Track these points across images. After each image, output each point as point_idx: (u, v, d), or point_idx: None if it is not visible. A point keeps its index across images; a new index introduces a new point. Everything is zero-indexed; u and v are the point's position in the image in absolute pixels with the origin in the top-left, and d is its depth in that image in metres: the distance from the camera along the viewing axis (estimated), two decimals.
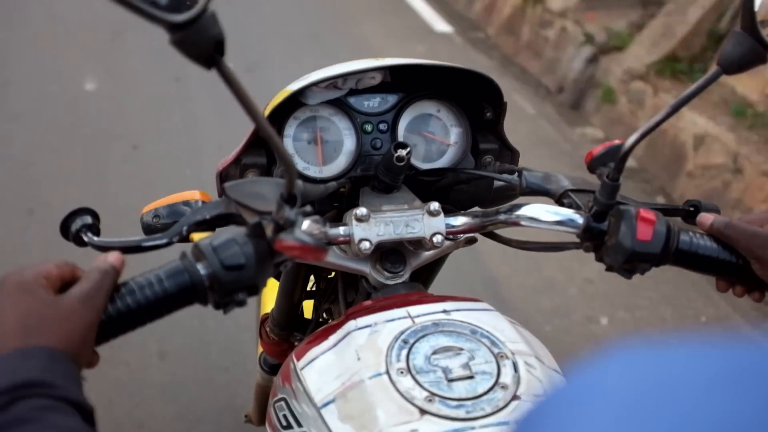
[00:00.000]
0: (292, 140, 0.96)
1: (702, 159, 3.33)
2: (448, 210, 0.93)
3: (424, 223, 0.89)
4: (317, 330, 0.90)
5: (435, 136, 1.01)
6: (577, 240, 0.88)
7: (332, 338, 0.83)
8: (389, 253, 0.92)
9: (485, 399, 0.73)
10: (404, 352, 0.77)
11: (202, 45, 0.54)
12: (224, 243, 0.67)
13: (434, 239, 0.89)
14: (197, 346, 2.30)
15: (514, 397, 0.74)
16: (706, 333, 0.30)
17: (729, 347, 0.29)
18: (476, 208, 1.04)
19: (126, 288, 0.66)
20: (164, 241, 0.78)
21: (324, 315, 1.22)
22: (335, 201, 1.01)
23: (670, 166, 3.48)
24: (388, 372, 0.75)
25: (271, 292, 1.38)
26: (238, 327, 2.29)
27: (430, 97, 1.01)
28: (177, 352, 2.28)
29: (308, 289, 1.22)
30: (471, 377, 0.75)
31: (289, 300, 1.18)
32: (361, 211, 0.88)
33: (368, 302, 0.89)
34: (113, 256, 0.67)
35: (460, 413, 0.71)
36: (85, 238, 0.77)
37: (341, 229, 0.87)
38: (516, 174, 0.97)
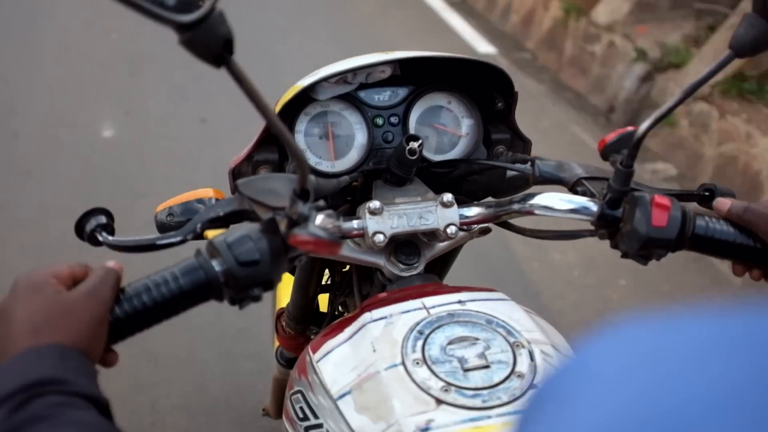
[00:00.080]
0: (303, 136, 0.97)
1: None
2: (462, 201, 0.93)
3: (438, 214, 0.89)
4: (333, 323, 0.91)
5: (446, 128, 1.01)
6: (592, 227, 0.88)
7: (347, 330, 0.83)
8: (403, 245, 0.92)
9: (501, 388, 0.73)
10: (420, 343, 0.77)
11: (211, 44, 0.54)
12: (238, 239, 0.67)
13: (448, 230, 0.89)
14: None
15: (531, 386, 0.74)
16: (703, 304, 0.30)
17: (727, 316, 0.29)
18: (489, 199, 1.04)
19: (141, 285, 0.67)
20: (178, 239, 0.78)
21: (339, 308, 1.22)
22: (348, 195, 1.01)
23: (743, 197, 3.18)
24: (403, 363, 0.75)
25: (286, 286, 1.38)
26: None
27: (440, 89, 1.01)
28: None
29: (323, 282, 1.22)
30: (487, 367, 0.75)
31: (305, 294, 1.19)
32: (375, 204, 0.88)
33: (383, 294, 0.90)
34: (112, 263, 0.68)
35: (477, 402, 0.71)
36: (100, 238, 0.78)
37: (355, 223, 0.87)
38: (529, 163, 0.97)
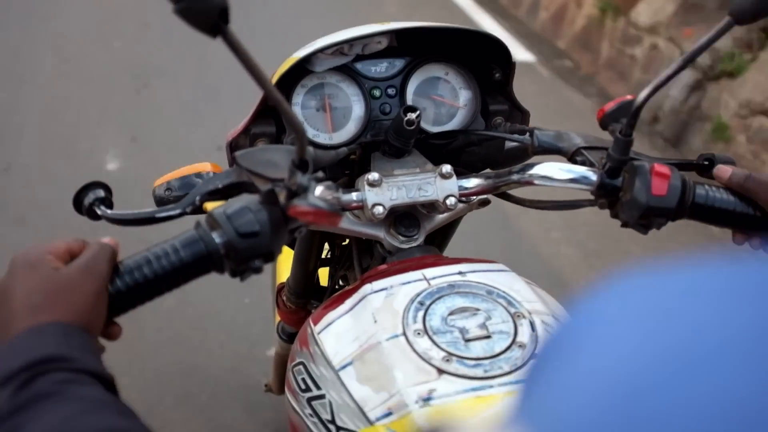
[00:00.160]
0: (300, 108, 0.96)
1: None
2: (460, 172, 0.92)
3: (437, 185, 0.89)
4: (333, 295, 0.91)
5: (444, 99, 1.01)
6: (592, 197, 0.88)
7: (348, 302, 0.83)
8: (403, 217, 0.92)
9: (503, 358, 0.73)
10: (420, 314, 0.77)
11: (207, 13, 0.53)
12: (238, 211, 0.67)
13: (447, 202, 0.88)
14: None
15: (532, 356, 0.74)
16: (704, 255, 0.31)
17: (731, 264, 0.29)
18: (488, 170, 1.04)
19: (142, 258, 0.67)
20: (177, 211, 0.78)
21: (340, 282, 1.22)
22: (346, 168, 1.01)
23: None
24: (405, 333, 0.75)
25: (286, 261, 1.39)
26: None
27: (437, 60, 1.00)
28: None
29: (323, 256, 1.22)
30: (488, 337, 0.75)
31: (305, 268, 1.19)
32: (374, 176, 0.87)
33: (383, 266, 0.90)
34: (107, 239, 0.68)
35: (478, 372, 0.72)
36: (99, 212, 0.77)
37: (354, 195, 0.87)
38: (527, 134, 0.96)
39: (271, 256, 0.69)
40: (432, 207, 0.91)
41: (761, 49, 3.38)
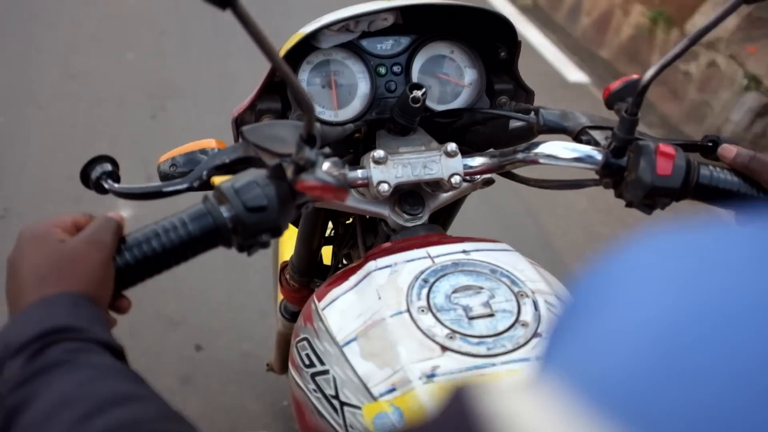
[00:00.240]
0: (306, 85, 0.96)
1: None
2: (465, 151, 0.92)
3: (442, 164, 0.89)
4: (337, 272, 0.91)
5: (449, 78, 1.00)
6: (597, 176, 0.88)
7: (353, 279, 0.83)
8: (407, 195, 0.92)
9: (506, 336, 0.74)
10: (425, 291, 0.78)
11: None
12: (246, 185, 0.67)
13: (452, 180, 0.88)
14: None
15: (535, 335, 0.74)
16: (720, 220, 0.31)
17: (756, 226, 0.29)
18: (492, 150, 1.04)
19: (150, 231, 0.67)
20: (185, 185, 0.78)
21: (343, 260, 1.23)
22: (350, 147, 1.01)
23: None
24: (409, 310, 0.76)
25: (289, 240, 1.39)
26: None
27: (443, 38, 1.00)
28: None
29: (326, 235, 1.22)
30: (491, 315, 0.75)
31: (309, 246, 1.19)
32: (379, 153, 0.87)
33: (387, 244, 0.90)
34: (112, 213, 0.68)
35: (481, 350, 0.72)
36: (106, 185, 0.78)
37: (359, 172, 0.87)
38: (532, 113, 0.96)
39: (278, 231, 0.69)
40: (436, 185, 0.91)
41: None
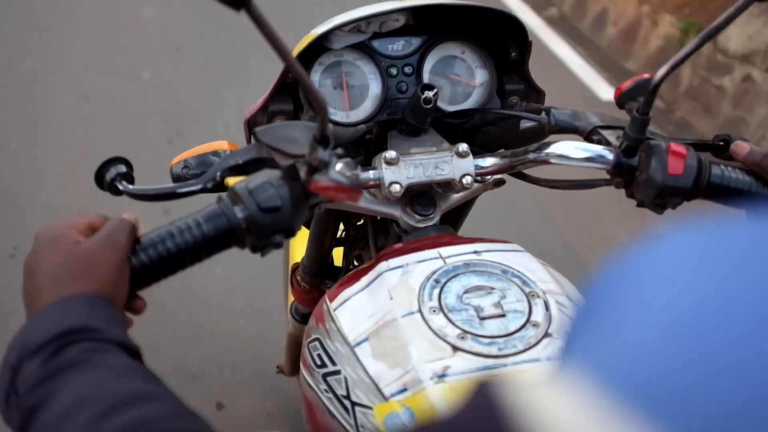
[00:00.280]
0: (317, 86, 0.96)
1: None
2: (476, 152, 0.93)
3: (453, 164, 0.89)
4: (349, 273, 0.91)
5: (460, 78, 1.01)
6: (608, 176, 0.88)
7: (364, 279, 0.84)
8: (419, 196, 0.93)
9: (517, 336, 0.74)
10: (436, 292, 0.78)
11: None
12: (259, 186, 0.67)
13: (464, 180, 0.89)
14: None
15: (546, 335, 0.74)
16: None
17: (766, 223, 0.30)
18: (503, 150, 1.04)
19: (165, 232, 0.67)
20: (198, 186, 0.78)
21: (354, 262, 1.23)
22: (362, 148, 1.01)
23: None
24: (420, 311, 0.76)
25: (300, 241, 1.39)
26: None
27: (454, 38, 1.00)
28: None
29: (337, 236, 1.22)
30: (503, 315, 0.75)
31: (320, 247, 1.19)
32: (391, 154, 0.88)
33: (399, 245, 0.90)
34: (127, 214, 0.69)
35: (493, 350, 0.72)
36: (120, 187, 0.78)
37: (371, 173, 0.88)
38: (543, 113, 0.96)
39: (291, 232, 0.69)
40: (448, 186, 0.91)
41: None
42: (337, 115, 0.96)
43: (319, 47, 0.94)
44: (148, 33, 4.14)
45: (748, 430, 0.24)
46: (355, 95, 0.97)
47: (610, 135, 0.90)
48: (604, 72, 4.04)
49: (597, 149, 0.87)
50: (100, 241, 0.64)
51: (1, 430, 0.58)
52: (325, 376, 0.80)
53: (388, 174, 0.87)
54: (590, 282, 0.33)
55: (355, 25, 0.93)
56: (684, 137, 0.92)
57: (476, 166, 0.90)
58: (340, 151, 0.70)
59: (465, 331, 0.73)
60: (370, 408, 0.73)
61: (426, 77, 0.99)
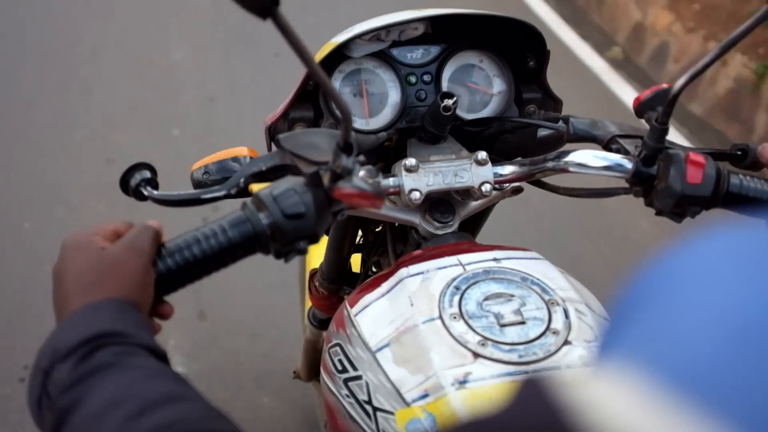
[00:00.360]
0: None
1: None
2: (494, 160, 0.93)
3: (473, 172, 0.90)
4: (368, 279, 0.92)
5: (478, 87, 1.01)
6: (626, 185, 0.89)
7: (385, 285, 0.84)
8: (438, 203, 0.93)
9: (537, 344, 0.74)
10: (456, 298, 0.78)
11: None
12: (284, 192, 0.68)
13: (483, 188, 0.89)
14: None
15: (566, 342, 0.75)
16: None
17: None
18: (521, 158, 1.05)
19: (191, 237, 0.68)
20: (222, 192, 0.79)
21: (373, 268, 1.24)
22: (380, 156, 1.02)
23: None
24: (441, 317, 0.76)
25: (317, 247, 1.40)
26: None
27: (472, 47, 1.01)
28: None
29: (356, 242, 1.23)
30: (523, 323, 0.76)
31: (339, 254, 1.20)
32: (411, 161, 0.89)
33: (419, 251, 0.91)
34: (151, 221, 0.70)
35: (513, 357, 0.73)
36: (145, 192, 0.79)
37: (391, 180, 0.89)
38: (561, 121, 0.97)
39: (315, 238, 0.70)
40: (466, 193, 0.92)
41: None
42: (357, 122, 0.97)
43: (339, 55, 0.95)
44: (178, 79, 3.63)
45: None
46: (374, 103, 0.98)
47: (628, 144, 0.90)
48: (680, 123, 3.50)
49: (616, 158, 0.88)
50: (124, 247, 0.65)
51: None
52: (346, 381, 0.80)
53: (408, 181, 0.88)
54: (630, 282, 0.33)
55: (375, 33, 0.94)
56: (702, 147, 0.92)
57: (495, 174, 0.91)
58: (362, 158, 0.71)
59: (485, 338, 0.74)
60: (391, 413, 0.74)
61: (445, 85, 1.00)
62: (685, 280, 0.31)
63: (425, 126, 0.93)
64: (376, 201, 0.69)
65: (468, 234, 0.96)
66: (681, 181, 0.80)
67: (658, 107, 0.85)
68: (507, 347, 0.73)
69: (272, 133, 0.94)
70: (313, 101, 0.95)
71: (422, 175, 0.89)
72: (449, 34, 1.01)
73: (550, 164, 0.91)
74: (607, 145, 0.93)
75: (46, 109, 3.34)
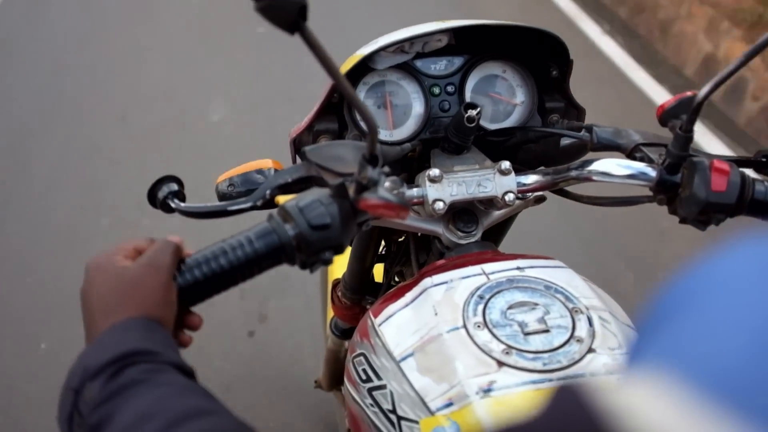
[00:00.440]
0: None
1: None
2: (518, 169, 0.93)
3: (496, 182, 0.90)
4: (392, 289, 0.92)
5: (502, 97, 1.02)
6: (650, 193, 0.89)
7: (409, 295, 0.85)
8: (461, 213, 0.94)
9: (561, 352, 0.74)
10: (480, 307, 0.79)
11: (287, 10, 0.55)
12: (310, 204, 0.69)
13: (506, 198, 0.90)
14: None
15: (590, 350, 0.75)
16: None
17: None
18: (544, 167, 1.05)
19: (218, 249, 0.69)
20: (249, 204, 0.80)
21: (395, 278, 1.24)
22: (404, 166, 1.02)
23: None
24: (465, 326, 0.77)
25: (340, 258, 1.40)
26: None
27: (495, 57, 1.02)
28: None
29: (379, 252, 1.24)
30: (547, 331, 0.76)
31: (362, 264, 1.21)
32: (434, 171, 0.89)
33: (442, 261, 0.91)
34: (171, 237, 0.71)
35: (537, 365, 0.73)
36: (172, 205, 0.80)
37: (415, 191, 0.89)
38: (584, 130, 0.97)
39: (340, 248, 0.70)
40: (490, 203, 0.92)
41: None
42: (382, 133, 0.98)
43: (363, 67, 0.96)
44: (218, 144, 3.25)
45: None
46: (398, 114, 0.99)
47: (652, 152, 0.90)
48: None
49: (639, 166, 0.88)
50: (144, 264, 0.66)
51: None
52: (370, 390, 0.81)
53: (431, 191, 0.89)
54: (661, 291, 0.33)
55: (399, 45, 0.95)
56: (727, 154, 0.92)
57: (518, 184, 0.91)
58: (387, 169, 0.71)
59: (510, 347, 0.74)
60: (416, 422, 0.74)
61: (468, 96, 1.00)
62: (716, 289, 0.31)
63: (449, 136, 0.93)
64: (402, 212, 0.69)
65: (491, 243, 0.96)
66: (705, 189, 0.80)
67: (683, 115, 0.85)
68: (531, 355, 0.73)
69: (297, 145, 0.95)
70: (337, 113, 0.96)
71: (446, 186, 0.89)
72: (472, 44, 1.01)
73: (573, 173, 0.91)
74: (631, 153, 0.93)
75: (71, 189, 2.99)
